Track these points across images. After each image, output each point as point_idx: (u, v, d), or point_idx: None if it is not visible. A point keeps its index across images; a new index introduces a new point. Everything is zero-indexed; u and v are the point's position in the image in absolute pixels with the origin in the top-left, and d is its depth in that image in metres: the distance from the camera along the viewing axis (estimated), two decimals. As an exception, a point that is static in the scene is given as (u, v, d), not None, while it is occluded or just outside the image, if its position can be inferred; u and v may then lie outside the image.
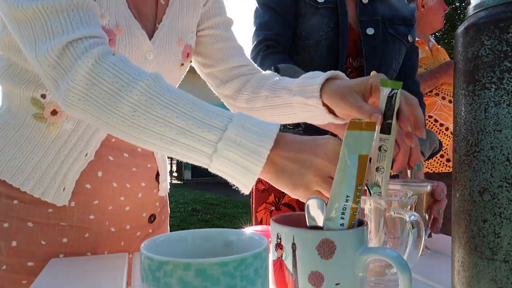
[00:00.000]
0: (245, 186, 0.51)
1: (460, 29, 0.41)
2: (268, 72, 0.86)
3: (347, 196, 0.40)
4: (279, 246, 0.41)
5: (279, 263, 0.41)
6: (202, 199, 7.90)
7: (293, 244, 0.40)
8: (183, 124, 0.50)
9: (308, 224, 0.42)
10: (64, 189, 0.70)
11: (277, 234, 0.42)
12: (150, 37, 0.73)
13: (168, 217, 0.94)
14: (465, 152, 0.38)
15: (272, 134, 0.50)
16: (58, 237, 0.71)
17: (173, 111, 0.51)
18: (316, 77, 0.70)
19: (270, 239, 0.43)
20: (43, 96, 0.68)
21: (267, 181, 0.53)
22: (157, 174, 0.83)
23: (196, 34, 0.85)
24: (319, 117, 0.72)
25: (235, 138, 0.49)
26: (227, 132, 0.49)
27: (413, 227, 0.47)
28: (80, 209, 0.72)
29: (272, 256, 0.43)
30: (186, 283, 0.31)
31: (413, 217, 0.48)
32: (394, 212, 0.51)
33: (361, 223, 0.43)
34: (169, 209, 0.94)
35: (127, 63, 0.54)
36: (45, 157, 0.69)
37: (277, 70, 0.96)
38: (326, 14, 1.10)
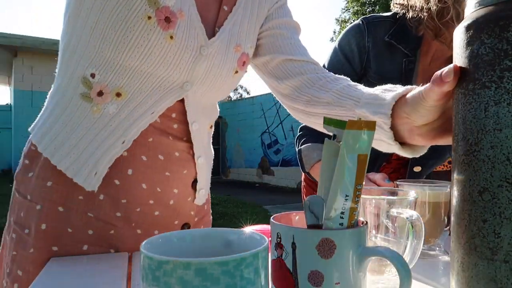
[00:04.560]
0: None
1: (459, 28, 0.40)
2: (340, 76, 0.75)
3: (346, 196, 0.40)
4: (279, 245, 0.41)
5: (279, 263, 0.41)
6: (202, 199, 7.89)
7: (293, 243, 0.40)
8: None
9: (307, 223, 0.42)
10: (95, 173, 0.69)
11: (277, 233, 0.42)
12: (209, 39, 0.73)
13: None
14: (465, 152, 0.38)
15: None
16: (85, 227, 0.70)
17: None
18: (391, 91, 0.58)
19: (270, 239, 0.43)
20: (92, 75, 0.68)
21: None
22: (194, 181, 0.79)
23: (257, 39, 0.82)
24: (380, 142, 0.61)
25: None
26: None
27: (413, 227, 0.47)
28: (108, 204, 0.71)
29: (272, 255, 0.43)
30: (186, 283, 0.31)
31: (413, 217, 0.48)
32: (394, 212, 0.51)
33: (360, 223, 0.43)
34: (211, 219, 0.88)
35: None
36: (84, 139, 0.69)
37: (299, 151, 1.15)
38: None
